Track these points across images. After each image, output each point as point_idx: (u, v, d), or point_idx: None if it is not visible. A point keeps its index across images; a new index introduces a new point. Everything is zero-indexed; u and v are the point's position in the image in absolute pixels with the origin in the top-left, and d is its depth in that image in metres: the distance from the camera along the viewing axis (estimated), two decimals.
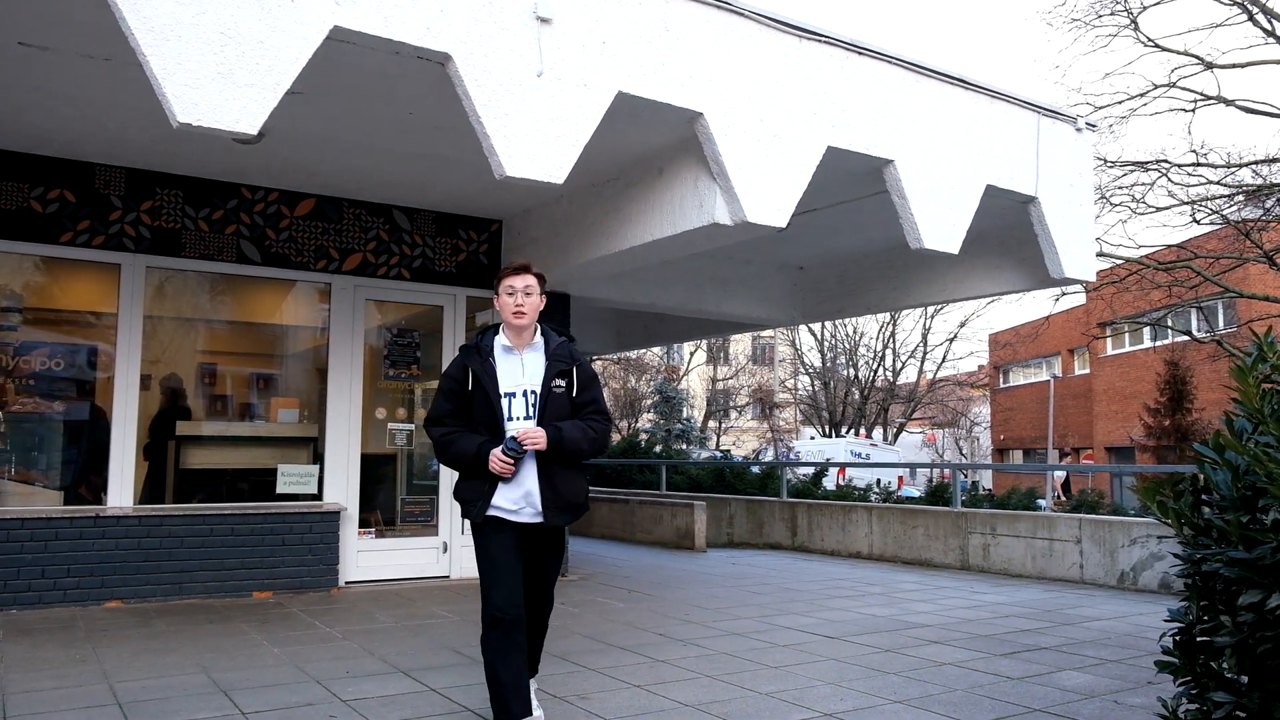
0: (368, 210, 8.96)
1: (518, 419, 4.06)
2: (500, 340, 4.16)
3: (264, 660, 5.87)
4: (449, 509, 9.26)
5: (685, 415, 26.85)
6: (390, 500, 9.23)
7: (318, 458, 8.79)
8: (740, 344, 46.01)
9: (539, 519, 4.07)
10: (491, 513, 4.05)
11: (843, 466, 25.80)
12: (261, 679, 5.42)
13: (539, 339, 4.19)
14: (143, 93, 4.89)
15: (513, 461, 3.95)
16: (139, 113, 6.47)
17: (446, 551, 9.24)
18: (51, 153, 7.62)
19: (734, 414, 44.40)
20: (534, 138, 5.62)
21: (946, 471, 27.57)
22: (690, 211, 6.90)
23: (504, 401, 4.06)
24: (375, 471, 9.16)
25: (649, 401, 31.75)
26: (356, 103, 6.48)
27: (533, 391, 4.08)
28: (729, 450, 36.37)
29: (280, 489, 8.53)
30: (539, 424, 4.03)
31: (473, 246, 9.50)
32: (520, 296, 4.08)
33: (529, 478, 4.05)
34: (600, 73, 5.87)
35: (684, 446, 24.82)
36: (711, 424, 42.16)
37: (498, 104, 5.49)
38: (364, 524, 8.91)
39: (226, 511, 8.11)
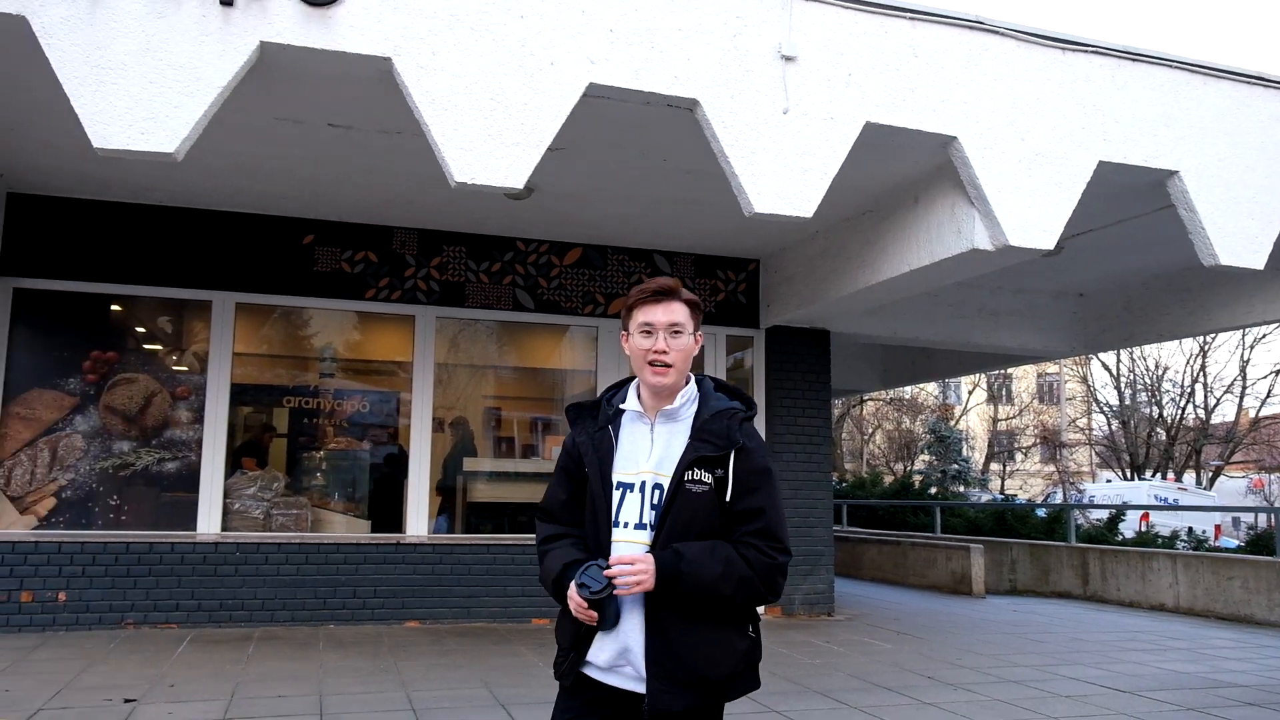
0: (630, 255, 9.41)
1: (627, 526, 2.46)
2: (632, 401, 2.57)
3: (539, 680, 6.23)
4: None
5: (963, 456, 25.57)
6: None
7: None
8: (1024, 381, 43.30)
9: (639, 687, 2.42)
10: (585, 671, 2.50)
11: (1146, 511, 23.52)
12: (535, 696, 5.76)
13: (687, 402, 2.52)
14: (427, 159, 5.47)
15: (588, 604, 2.35)
16: (425, 178, 7.21)
17: None
18: (357, 220, 8.64)
19: (1019, 456, 41.73)
20: (781, 174, 5.72)
21: (1273, 518, 24.38)
22: (948, 238, 6.71)
23: (615, 495, 2.49)
24: None
25: (922, 442, 30.56)
26: (613, 154, 6.88)
27: (657, 486, 2.45)
28: (1014, 495, 34.22)
29: None
30: (655, 541, 2.41)
31: (730, 286, 9.71)
32: (663, 338, 2.47)
33: (630, 627, 2.42)
34: (846, 105, 5.89)
35: (961, 489, 23.64)
36: (994, 466, 39.85)
37: (744, 143, 5.65)
38: None
39: (509, 542, 8.71)
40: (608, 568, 2.34)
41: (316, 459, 8.84)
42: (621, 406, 2.58)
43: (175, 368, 8.44)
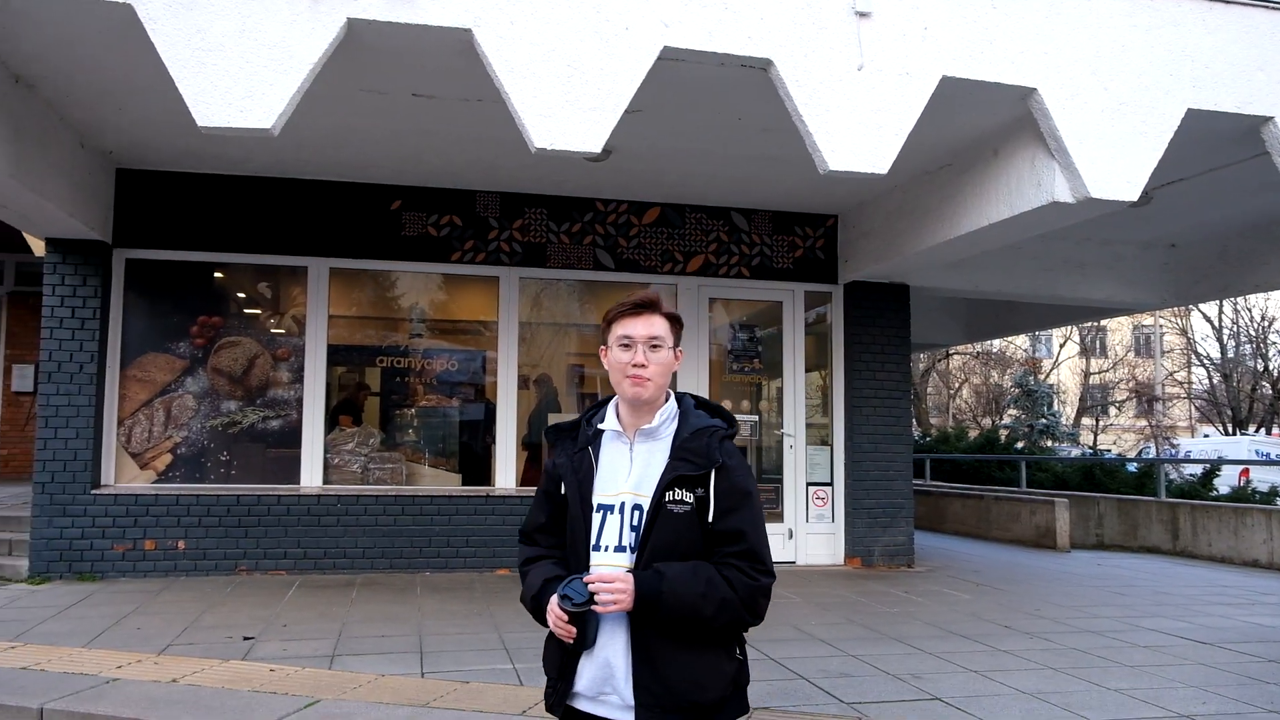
0: (707, 214, 9.51)
1: (607, 549, 2.39)
2: (610, 420, 2.49)
3: None
4: (793, 498, 9.57)
5: (1051, 410, 25.04)
6: None
7: None
8: (1118, 333, 42.03)
9: (627, 717, 2.35)
10: (570, 702, 2.43)
11: (1246, 466, 22.78)
12: None
13: (666, 420, 2.44)
14: (507, 126, 5.65)
15: (568, 618, 2.28)
16: (506, 144, 7.39)
17: (792, 538, 9.54)
18: (442, 185, 8.92)
19: (1112, 411, 40.64)
20: (855, 131, 5.76)
21: None
22: (1028, 191, 6.66)
23: (596, 518, 2.43)
24: None
25: (1009, 397, 30.01)
26: (689, 114, 6.98)
27: (637, 506, 2.39)
28: (1105, 450, 33.42)
29: None
30: (636, 563, 2.34)
31: (809, 242, 9.74)
32: (642, 352, 2.40)
33: (613, 647, 2.35)
34: (922, 60, 5.88)
35: (1049, 444, 23.20)
36: (1085, 421, 38.91)
37: (818, 101, 5.70)
38: None
39: None
40: (581, 590, 2.26)
41: (408, 416, 9.24)
42: (600, 426, 2.50)
43: (275, 330, 8.89)
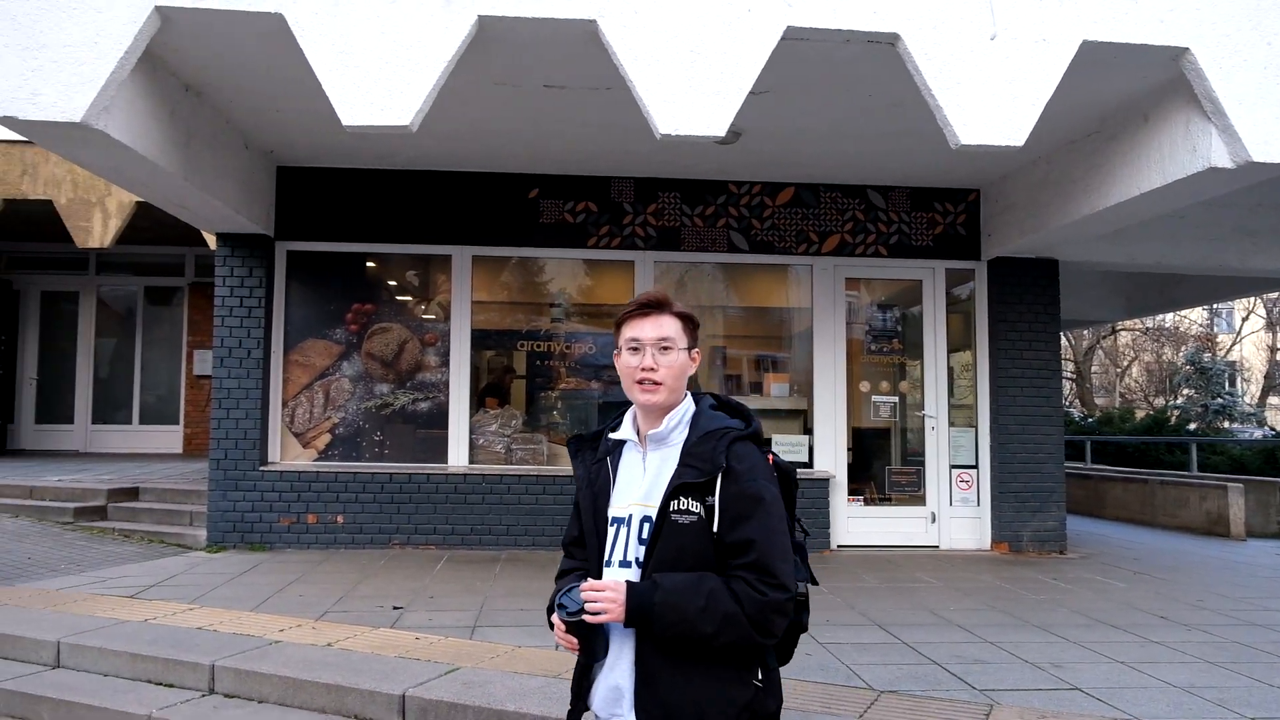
0: (843, 192, 9.36)
1: (616, 564, 2.29)
2: (626, 429, 2.39)
3: None
4: (935, 481, 9.36)
5: (1228, 389, 23.38)
6: (880, 470, 9.56)
7: (807, 429, 9.41)
8: None
9: None
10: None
11: None
12: None
13: (678, 424, 2.32)
14: (637, 112, 5.73)
15: (567, 629, 2.23)
16: (637, 130, 7.46)
17: (935, 522, 9.33)
18: (576, 172, 9.11)
19: None
20: (989, 103, 5.57)
21: None
22: (1182, 158, 6.27)
23: (610, 531, 2.32)
24: (865, 443, 9.56)
25: (1180, 375, 28.20)
26: (817, 93, 6.89)
27: (646, 518, 2.26)
28: None
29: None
30: (642, 577, 2.22)
31: (949, 218, 9.45)
32: (651, 355, 2.29)
33: (621, 668, 2.25)
34: (1060, 24, 5.62)
35: (1226, 425, 21.70)
36: (1273, 400, 36.16)
37: (949, 74, 5.54)
38: (854, 493, 9.36)
39: None
40: (575, 601, 2.17)
41: (551, 398, 9.52)
42: (616, 437, 2.38)
43: (423, 316, 9.31)
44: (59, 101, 5.27)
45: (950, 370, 9.58)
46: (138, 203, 11.36)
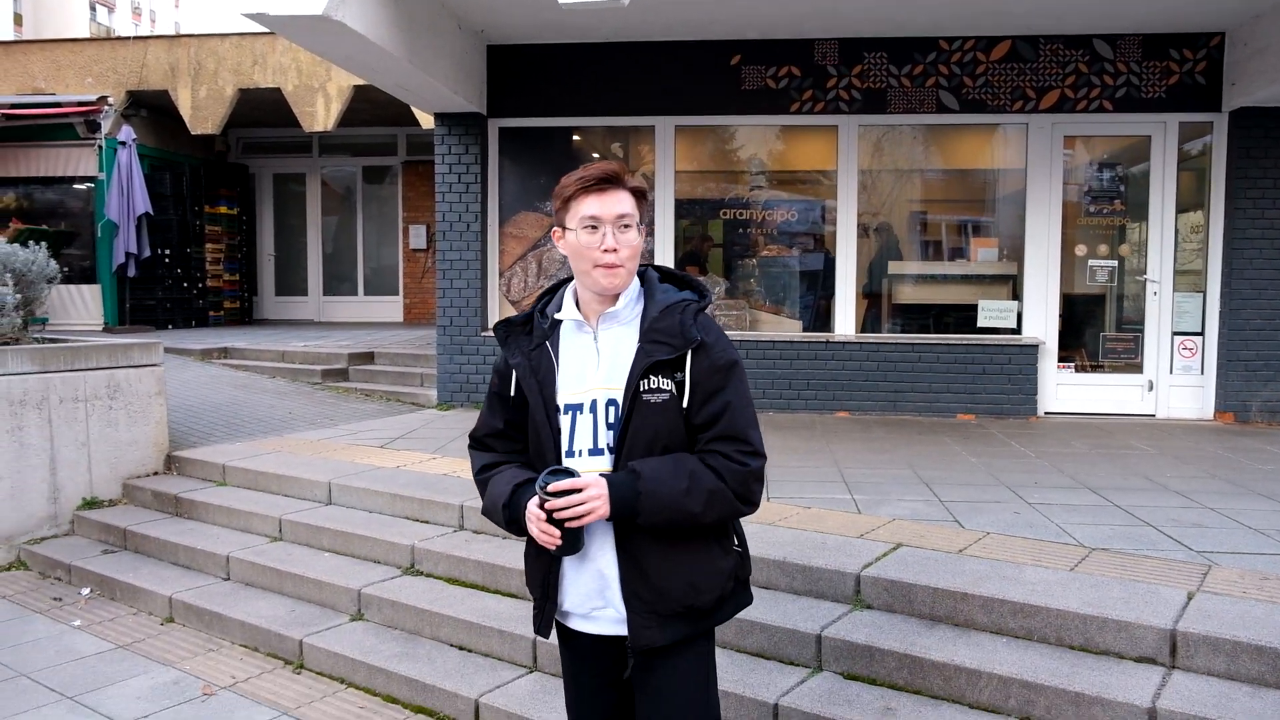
0: (1065, 44, 8.79)
1: (581, 453, 2.17)
2: (569, 308, 2.25)
3: (961, 466, 6.63)
4: (1155, 348, 8.97)
5: None
6: (1093, 337, 9.24)
7: (1016, 294, 9.17)
8: None
9: (622, 629, 2.19)
10: (562, 621, 2.29)
11: None
12: (957, 479, 6.19)
13: (633, 300, 2.22)
14: None
15: (547, 518, 2.06)
16: None
17: (1152, 390, 8.99)
18: (780, 36, 8.96)
19: None
20: None
21: None
22: None
23: (563, 420, 2.19)
24: (1077, 308, 9.24)
25: None
26: None
27: (611, 402, 2.15)
28: None
29: (981, 323, 9.14)
30: (616, 463, 2.13)
31: (1186, 67, 8.72)
32: (611, 233, 2.13)
33: (603, 558, 2.18)
34: None
35: None
36: None
37: None
38: (1064, 359, 9.11)
39: (933, 341, 9.00)
40: (572, 474, 2.04)
41: (750, 265, 9.66)
42: (558, 316, 2.24)
43: None
44: None
45: (1175, 232, 9.02)
46: (355, 86, 12.05)
